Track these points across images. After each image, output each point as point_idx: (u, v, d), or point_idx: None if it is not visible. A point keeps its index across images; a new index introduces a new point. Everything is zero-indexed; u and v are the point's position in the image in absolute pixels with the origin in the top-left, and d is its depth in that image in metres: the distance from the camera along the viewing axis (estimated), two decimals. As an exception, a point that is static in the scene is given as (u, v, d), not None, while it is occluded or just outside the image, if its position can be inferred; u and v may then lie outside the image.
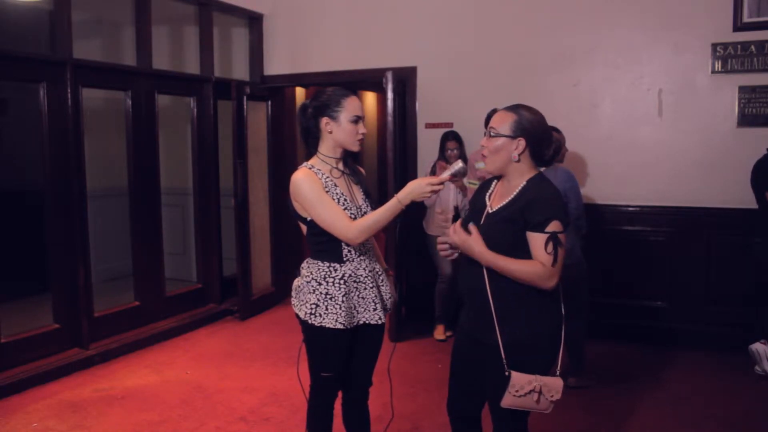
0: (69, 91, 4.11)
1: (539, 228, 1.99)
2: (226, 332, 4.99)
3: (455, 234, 2.08)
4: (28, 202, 5.33)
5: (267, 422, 3.37)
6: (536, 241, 2.00)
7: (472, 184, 4.40)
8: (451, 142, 4.58)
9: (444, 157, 4.57)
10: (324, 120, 2.29)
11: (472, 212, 2.23)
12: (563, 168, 3.67)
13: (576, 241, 3.64)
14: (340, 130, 2.28)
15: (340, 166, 2.35)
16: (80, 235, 4.21)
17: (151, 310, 4.86)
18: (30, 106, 4.25)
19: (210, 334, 4.93)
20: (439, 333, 4.74)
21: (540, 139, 2.08)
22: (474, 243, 2.04)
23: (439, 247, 2.19)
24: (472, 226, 2.08)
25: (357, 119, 2.29)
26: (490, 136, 2.10)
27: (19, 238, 5.20)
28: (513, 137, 2.06)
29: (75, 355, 4.16)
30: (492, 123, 2.11)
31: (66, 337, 4.21)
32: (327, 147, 2.33)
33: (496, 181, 2.21)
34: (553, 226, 1.99)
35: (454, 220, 4.40)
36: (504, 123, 2.07)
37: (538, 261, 1.99)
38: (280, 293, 5.67)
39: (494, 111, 2.34)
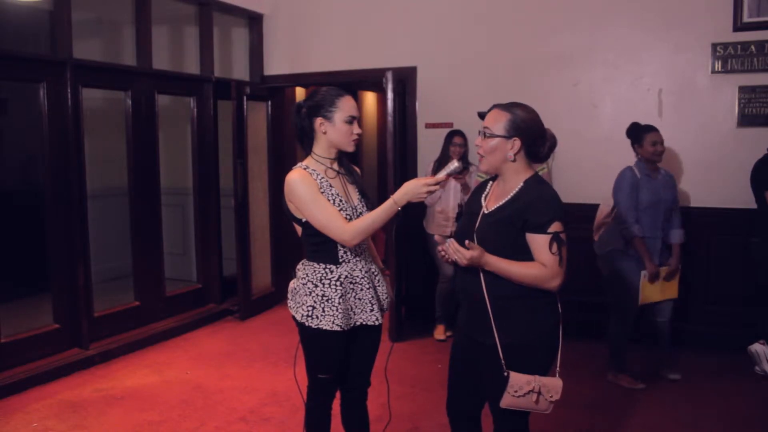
0: (69, 91, 4.11)
1: (541, 229, 1.98)
2: (226, 332, 4.99)
3: (457, 254, 1.98)
4: (28, 202, 5.33)
5: (267, 422, 3.37)
6: (538, 242, 1.99)
7: (480, 177, 4.40)
8: (458, 137, 4.58)
9: (447, 154, 4.55)
10: (318, 120, 2.27)
11: (467, 214, 2.21)
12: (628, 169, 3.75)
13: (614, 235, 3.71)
14: (334, 131, 2.26)
15: (335, 166, 2.34)
16: (80, 235, 4.21)
17: (151, 310, 4.86)
18: (30, 106, 4.25)
19: (210, 334, 4.94)
20: (439, 333, 4.74)
21: (535, 137, 2.07)
22: (478, 258, 1.98)
23: (441, 255, 2.16)
24: (468, 243, 2.00)
25: (352, 119, 2.27)
26: (485, 136, 2.09)
27: (19, 238, 5.20)
28: (508, 137, 2.05)
29: (75, 355, 4.16)
30: (486, 122, 2.09)
31: (66, 337, 4.21)
32: (321, 147, 2.31)
33: (491, 182, 2.21)
34: (555, 226, 1.99)
35: (458, 218, 4.40)
36: (498, 122, 2.06)
37: (539, 262, 1.99)
38: (280, 293, 5.67)
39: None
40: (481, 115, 2.15)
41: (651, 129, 3.74)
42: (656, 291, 3.74)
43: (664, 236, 3.75)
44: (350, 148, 2.31)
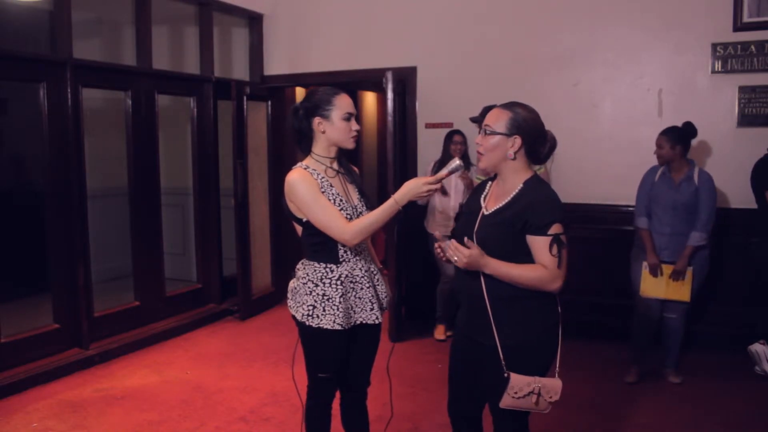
0: (69, 91, 4.11)
1: (541, 231, 1.98)
2: (226, 332, 4.99)
3: (456, 253, 1.97)
4: (28, 202, 5.33)
5: (267, 422, 3.37)
6: (539, 244, 1.99)
7: (478, 179, 4.41)
8: (458, 136, 4.58)
9: (449, 153, 4.55)
10: (316, 120, 2.28)
11: (466, 214, 2.21)
12: (706, 171, 3.72)
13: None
14: (333, 129, 2.27)
15: (335, 165, 2.35)
16: (80, 235, 4.21)
17: (151, 310, 4.86)
18: (30, 106, 4.25)
19: (210, 334, 4.94)
20: (440, 333, 4.74)
21: (535, 137, 2.07)
22: (478, 258, 1.97)
23: (437, 254, 2.14)
24: (467, 241, 2.00)
25: (349, 116, 2.28)
26: (486, 133, 2.09)
27: (19, 238, 5.20)
28: (509, 135, 2.05)
29: (75, 355, 4.16)
30: (487, 120, 2.10)
31: (66, 337, 4.21)
32: (321, 147, 2.32)
33: (490, 182, 2.20)
34: (555, 228, 1.99)
35: (458, 218, 4.39)
36: (499, 121, 2.07)
37: (540, 264, 1.99)
38: (280, 293, 5.67)
39: (488, 108, 2.33)
40: (474, 120, 2.15)
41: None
42: (660, 287, 3.71)
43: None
44: (350, 145, 2.32)
